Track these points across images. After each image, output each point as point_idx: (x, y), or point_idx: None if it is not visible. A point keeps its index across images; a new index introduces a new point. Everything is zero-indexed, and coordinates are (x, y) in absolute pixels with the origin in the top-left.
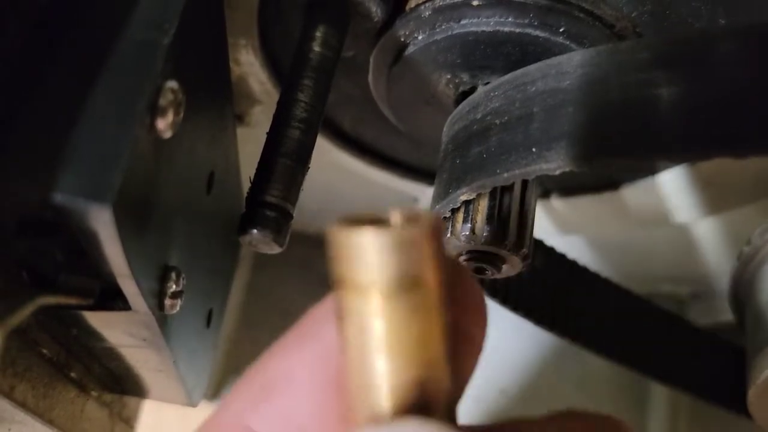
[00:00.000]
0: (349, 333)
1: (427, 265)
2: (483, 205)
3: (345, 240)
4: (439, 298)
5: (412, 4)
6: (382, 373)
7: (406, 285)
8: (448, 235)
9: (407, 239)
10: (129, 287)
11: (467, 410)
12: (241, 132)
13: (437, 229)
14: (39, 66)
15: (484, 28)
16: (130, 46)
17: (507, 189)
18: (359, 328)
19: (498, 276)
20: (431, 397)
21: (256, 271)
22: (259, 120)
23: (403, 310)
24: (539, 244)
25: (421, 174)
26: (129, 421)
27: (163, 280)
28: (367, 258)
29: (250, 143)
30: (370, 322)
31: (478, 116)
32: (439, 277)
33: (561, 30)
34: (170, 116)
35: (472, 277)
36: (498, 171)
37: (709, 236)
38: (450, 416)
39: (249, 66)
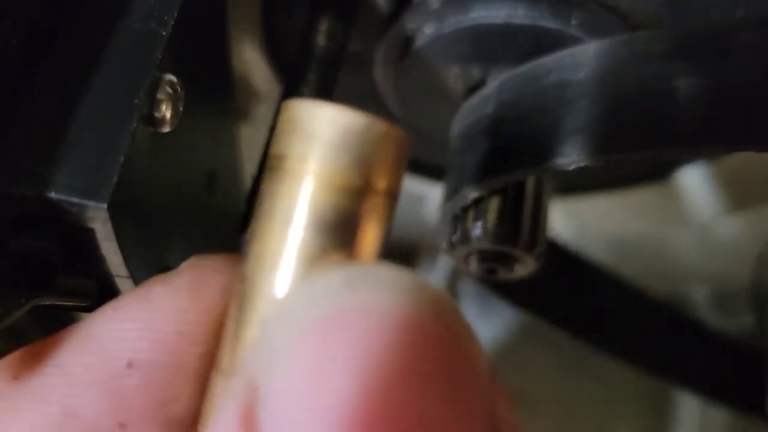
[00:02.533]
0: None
1: (381, 168)
2: (495, 202)
3: (302, 111)
4: (383, 215)
5: None
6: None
7: (352, 180)
8: (458, 234)
9: (370, 128)
10: (127, 288)
11: None
12: (245, 131)
13: (405, 140)
14: (34, 59)
15: (495, 20)
16: (127, 37)
17: (520, 186)
18: (285, 211)
19: (510, 276)
20: None
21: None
22: (264, 119)
23: (336, 205)
24: (552, 243)
25: (429, 171)
26: None
27: None
28: (318, 132)
29: (254, 142)
30: (297, 204)
31: (489, 110)
32: (390, 188)
33: (573, 21)
34: (169, 111)
35: None
36: (510, 167)
37: (729, 235)
38: None
39: (253, 63)
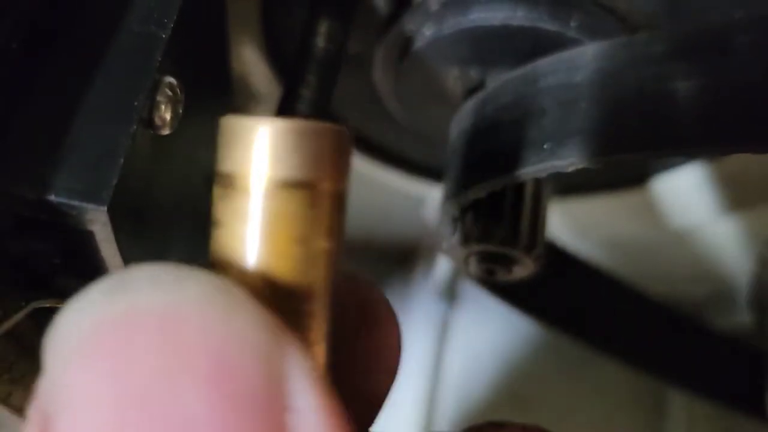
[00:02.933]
0: (221, 240)
1: (322, 168)
2: (494, 204)
3: (234, 128)
4: (331, 211)
5: None
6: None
7: (294, 185)
8: (457, 235)
9: (303, 131)
10: None
11: (479, 415)
12: None
13: (342, 135)
14: (35, 62)
15: (493, 22)
16: (127, 40)
17: (518, 187)
18: (232, 232)
19: (509, 278)
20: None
21: None
22: None
23: (285, 212)
24: (551, 244)
25: (428, 172)
26: None
27: None
28: (253, 147)
29: None
30: (245, 220)
31: (488, 112)
32: (337, 190)
33: (572, 23)
34: (168, 113)
35: (376, 290)
36: (509, 169)
37: (728, 236)
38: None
39: (253, 65)
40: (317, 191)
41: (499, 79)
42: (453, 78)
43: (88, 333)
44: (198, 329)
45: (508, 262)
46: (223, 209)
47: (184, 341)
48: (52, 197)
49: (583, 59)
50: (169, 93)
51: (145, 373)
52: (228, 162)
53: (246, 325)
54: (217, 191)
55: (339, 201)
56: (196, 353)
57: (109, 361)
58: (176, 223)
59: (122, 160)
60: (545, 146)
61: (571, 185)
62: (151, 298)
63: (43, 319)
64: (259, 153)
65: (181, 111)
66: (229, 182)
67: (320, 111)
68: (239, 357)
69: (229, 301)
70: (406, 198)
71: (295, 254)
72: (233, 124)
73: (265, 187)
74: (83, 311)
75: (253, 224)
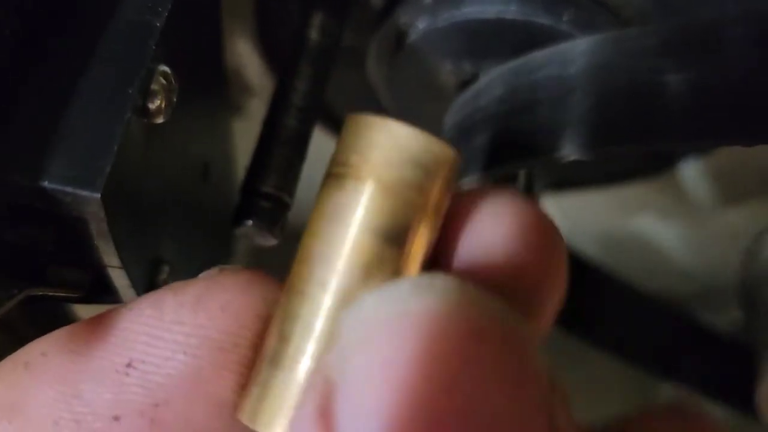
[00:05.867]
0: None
1: (437, 184)
2: None
3: (368, 124)
4: (432, 228)
5: None
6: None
7: (410, 191)
8: None
9: (434, 149)
10: (119, 279)
11: None
12: (238, 126)
13: (458, 160)
14: (30, 50)
15: (487, 16)
16: (121, 28)
17: (511, 179)
18: (339, 215)
19: None
20: None
21: (251, 266)
22: (257, 113)
23: (394, 212)
24: None
25: None
26: None
27: (155, 273)
28: (382, 144)
29: (247, 136)
30: (355, 209)
31: (481, 105)
32: (441, 204)
33: (565, 17)
34: (162, 101)
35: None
36: (502, 160)
37: (720, 230)
38: None
39: (246, 57)
40: (425, 202)
41: (493, 72)
42: (446, 71)
43: (388, 323)
44: (495, 340)
45: None
46: (330, 195)
47: (483, 345)
48: (46, 184)
49: (575, 52)
50: (164, 81)
51: (444, 362)
52: (348, 153)
53: (531, 346)
54: (331, 180)
55: (438, 219)
56: (493, 357)
57: (411, 345)
58: (169, 212)
59: (116, 148)
60: (537, 138)
61: (563, 179)
62: (457, 305)
63: (34, 309)
64: (385, 150)
65: (175, 100)
66: (345, 171)
67: (314, 103)
68: (531, 372)
69: (518, 328)
70: None
71: (391, 254)
72: (365, 121)
73: (381, 182)
74: (390, 302)
75: (359, 217)
